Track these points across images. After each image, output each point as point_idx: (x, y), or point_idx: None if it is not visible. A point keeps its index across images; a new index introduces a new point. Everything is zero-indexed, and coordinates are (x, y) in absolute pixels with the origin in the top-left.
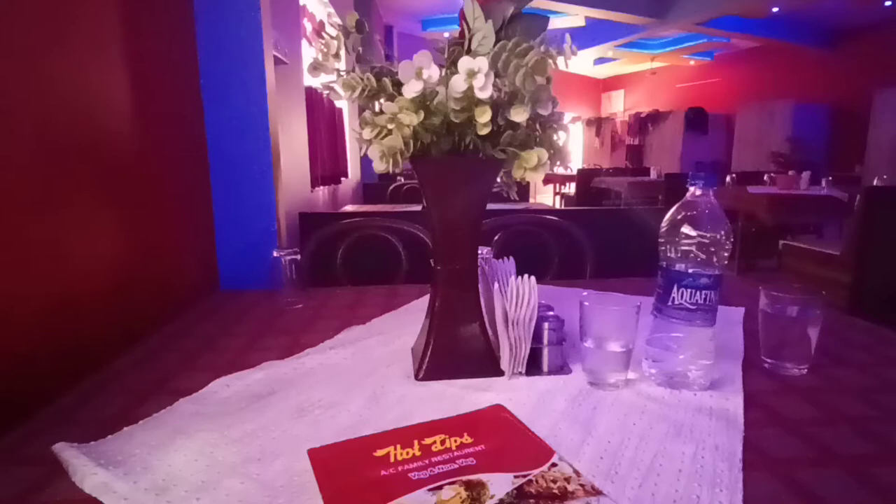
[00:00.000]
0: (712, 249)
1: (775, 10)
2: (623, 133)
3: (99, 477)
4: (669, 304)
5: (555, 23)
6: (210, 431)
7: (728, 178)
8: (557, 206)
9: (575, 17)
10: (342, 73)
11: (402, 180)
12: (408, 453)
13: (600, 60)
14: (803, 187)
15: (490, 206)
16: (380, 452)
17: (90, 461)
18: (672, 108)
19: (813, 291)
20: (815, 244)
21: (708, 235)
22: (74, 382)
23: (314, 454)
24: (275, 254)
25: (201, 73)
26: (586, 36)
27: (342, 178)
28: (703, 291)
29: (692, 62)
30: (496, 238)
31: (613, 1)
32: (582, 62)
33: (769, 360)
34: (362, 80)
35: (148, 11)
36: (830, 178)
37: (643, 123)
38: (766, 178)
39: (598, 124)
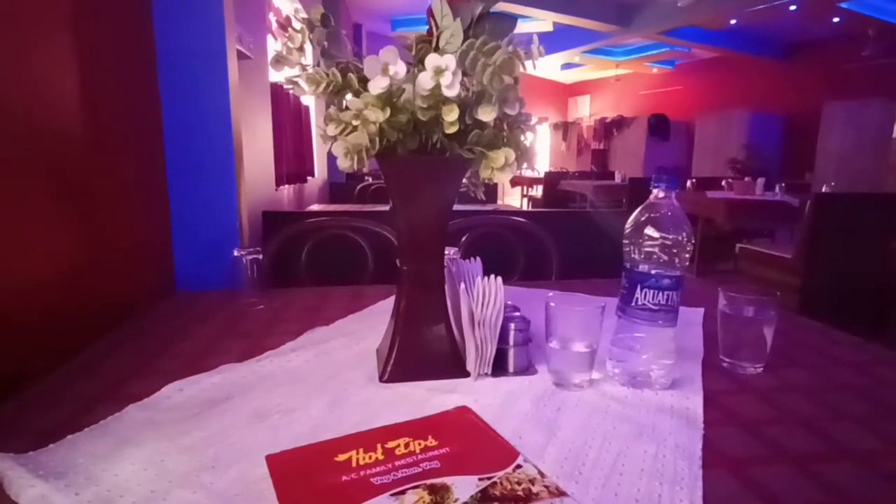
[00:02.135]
0: (674, 251)
1: (733, 22)
2: (589, 137)
3: (37, 489)
4: (633, 304)
5: (523, 27)
6: (161, 439)
7: (689, 183)
8: (525, 207)
9: (543, 23)
10: (307, 68)
11: (370, 180)
12: (370, 457)
13: (567, 66)
14: (758, 193)
15: (458, 207)
16: (341, 457)
17: (28, 472)
18: (636, 115)
19: (768, 293)
20: (769, 248)
21: (670, 237)
22: (14, 392)
23: (272, 460)
24: (235, 253)
25: (159, 67)
26: (554, 41)
27: (308, 177)
28: (666, 292)
29: (655, 70)
30: (463, 239)
31: (580, 8)
32: (549, 67)
33: (727, 360)
34: (327, 75)
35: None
36: (783, 184)
37: (608, 128)
38: (723, 183)
39: (564, 128)
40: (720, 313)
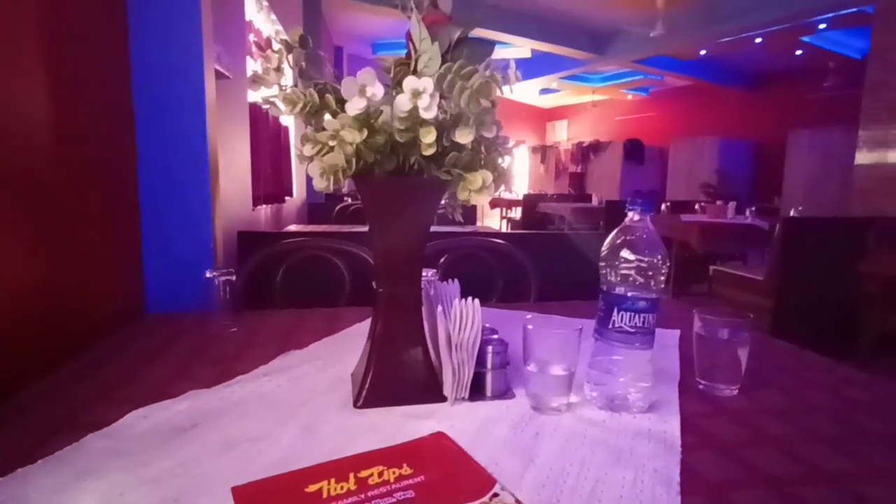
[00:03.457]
0: (650, 273)
1: (703, 52)
2: (566, 161)
3: None
4: (610, 326)
5: (502, 53)
6: (122, 470)
7: (663, 207)
8: (504, 229)
9: (521, 49)
10: (284, 88)
11: (349, 200)
12: (342, 488)
13: (545, 91)
14: (730, 216)
15: (437, 229)
16: (312, 488)
17: None
18: (612, 139)
19: (742, 315)
20: (741, 270)
21: (645, 260)
22: None
23: (239, 492)
24: (207, 274)
25: (134, 84)
26: (532, 67)
27: (286, 198)
28: (642, 314)
29: (630, 97)
30: (442, 260)
31: (557, 36)
32: (528, 92)
33: (703, 382)
34: (304, 95)
35: (74, 14)
36: (753, 208)
37: (585, 152)
38: (697, 207)
39: (543, 152)
40: (696, 335)
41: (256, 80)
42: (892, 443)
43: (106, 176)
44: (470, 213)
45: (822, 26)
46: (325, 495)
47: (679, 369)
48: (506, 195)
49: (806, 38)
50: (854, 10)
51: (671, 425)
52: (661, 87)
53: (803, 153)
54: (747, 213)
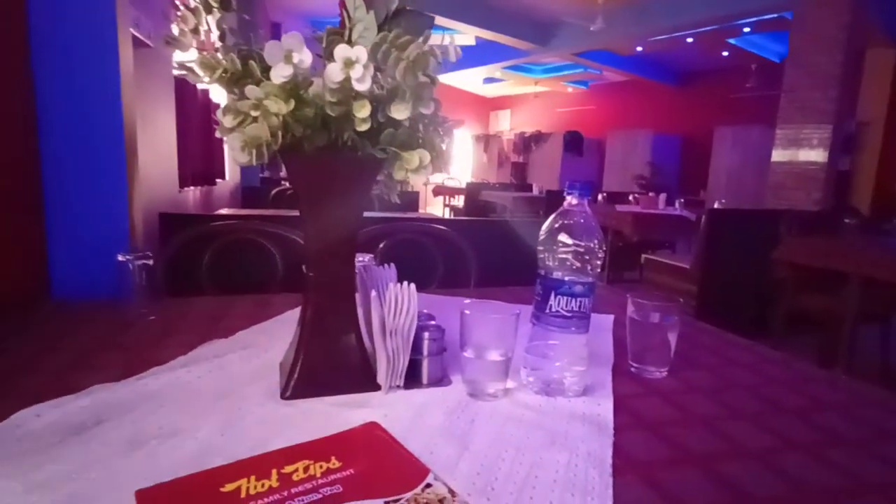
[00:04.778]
0: (587, 257)
1: (639, 49)
2: (509, 150)
3: None
4: (547, 311)
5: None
6: (4, 476)
7: (600, 197)
8: (446, 217)
9: (466, 36)
10: (203, 53)
11: (287, 185)
12: (263, 486)
13: (489, 80)
14: (661, 207)
15: (376, 214)
16: (228, 487)
17: None
18: (553, 130)
19: (672, 299)
20: (670, 258)
21: (583, 244)
22: None
23: (143, 496)
24: (120, 258)
25: (33, 49)
26: (476, 55)
27: (218, 180)
28: (578, 299)
29: (570, 89)
30: (381, 246)
31: (502, 24)
32: (472, 80)
33: (635, 365)
34: (225, 60)
35: None
36: (682, 200)
37: (527, 142)
38: (630, 198)
39: (486, 140)
40: (629, 319)
41: (170, 43)
42: (806, 417)
43: None
44: (412, 200)
45: (746, 29)
46: (243, 494)
47: (613, 353)
48: (450, 183)
49: (732, 40)
50: (775, 15)
51: (605, 408)
52: (600, 81)
53: (727, 149)
54: (677, 204)
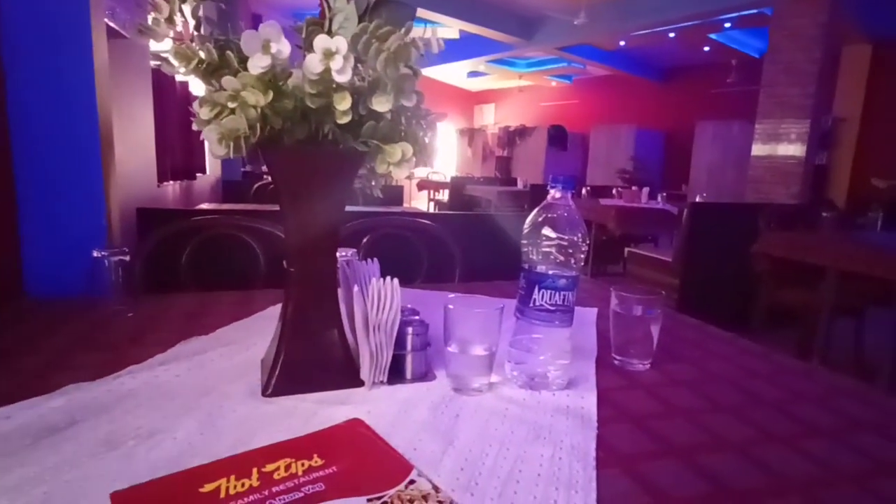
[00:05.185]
0: (570, 251)
1: (622, 44)
2: (493, 144)
3: None
4: (531, 305)
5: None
6: None
7: (584, 191)
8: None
9: (450, 29)
10: (179, 42)
11: (269, 178)
12: (243, 485)
13: (473, 73)
14: (644, 201)
15: (360, 208)
16: (208, 487)
17: None
18: (537, 125)
19: (654, 292)
20: (653, 252)
21: (566, 238)
22: None
23: (119, 498)
24: (95, 254)
25: (2, 39)
26: (460, 48)
27: (198, 174)
28: (562, 292)
29: (554, 84)
30: (365, 240)
31: (486, 18)
32: (456, 74)
33: (618, 357)
34: (201, 50)
35: None
36: (665, 194)
37: (511, 137)
38: (614, 192)
39: (470, 134)
40: (612, 312)
41: (144, 32)
42: (785, 409)
43: None
44: (397, 195)
45: (727, 25)
46: (222, 494)
47: (596, 346)
48: (434, 177)
49: (713, 36)
50: (755, 11)
51: (588, 401)
52: (583, 76)
53: (708, 144)
54: (659, 198)
